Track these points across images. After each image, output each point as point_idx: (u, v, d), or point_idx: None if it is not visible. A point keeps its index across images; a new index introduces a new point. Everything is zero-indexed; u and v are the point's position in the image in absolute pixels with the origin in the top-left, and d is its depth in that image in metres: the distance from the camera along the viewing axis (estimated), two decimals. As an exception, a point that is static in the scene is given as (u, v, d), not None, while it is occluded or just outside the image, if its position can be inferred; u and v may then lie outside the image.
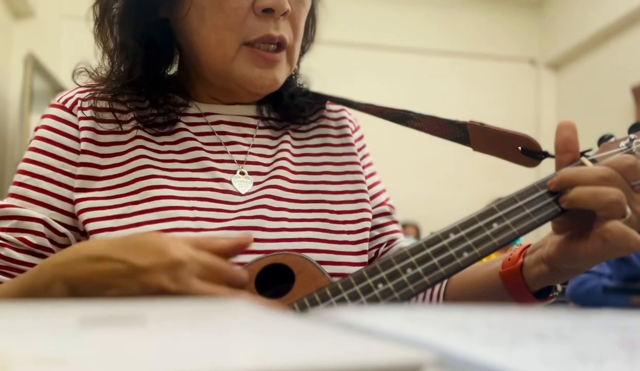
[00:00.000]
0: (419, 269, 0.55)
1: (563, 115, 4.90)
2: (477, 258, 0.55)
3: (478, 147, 0.70)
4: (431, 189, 4.49)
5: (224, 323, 0.23)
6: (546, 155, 0.65)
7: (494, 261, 0.67)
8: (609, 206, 0.53)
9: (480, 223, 0.57)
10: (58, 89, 3.86)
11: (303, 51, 0.78)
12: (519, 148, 0.67)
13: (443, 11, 4.83)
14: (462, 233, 0.56)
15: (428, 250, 0.56)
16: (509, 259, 0.65)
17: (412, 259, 0.55)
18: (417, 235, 4.06)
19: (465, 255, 0.55)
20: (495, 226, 0.57)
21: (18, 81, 3.64)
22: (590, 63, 4.57)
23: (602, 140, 0.65)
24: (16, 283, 0.55)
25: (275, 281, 0.59)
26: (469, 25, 4.88)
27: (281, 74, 0.68)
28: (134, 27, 0.69)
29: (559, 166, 0.60)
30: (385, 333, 0.21)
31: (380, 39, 4.59)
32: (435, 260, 0.55)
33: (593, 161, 0.60)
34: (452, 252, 0.55)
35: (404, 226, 3.87)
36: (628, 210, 0.54)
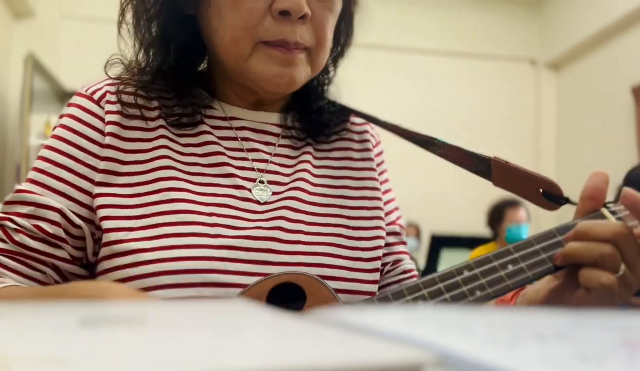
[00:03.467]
0: (431, 303, 0.55)
1: (563, 115, 4.89)
2: (490, 297, 0.55)
3: (499, 183, 0.69)
4: (432, 189, 4.49)
5: (224, 323, 0.23)
6: (567, 201, 0.65)
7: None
8: (600, 259, 0.54)
9: (495, 263, 0.57)
10: (58, 88, 3.86)
11: (335, 61, 0.77)
12: (541, 190, 0.66)
13: (443, 11, 4.83)
14: (477, 271, 0.56)
15: (441, 285, 0.56)
16: (502, 299, 0.65)
17: (425, 292, 0.56)
18: (418, 235, 4.05)
19: (478, 293, 0.55)
20: (510, 267, 0.56)
21: (18, 81, 3.63)
22: (590, 63, 4.57)
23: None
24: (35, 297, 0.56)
25: (287, 300, 0.59)
26: (469, 25, 4.87)
27: (300, 74, 0.66)
28: (163, 24, 0.69)
29: (580, 212, 0.60)
30: (385, 333, 0.21)
31: (379, 38, 4.58)
32: (447, 296, 0.55)
33: (613, 213, 0.59)
34: (464, 288, 0.55)
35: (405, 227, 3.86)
36: (622, 266, 0.54)
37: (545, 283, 0.61)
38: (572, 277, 0.57)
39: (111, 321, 0.21)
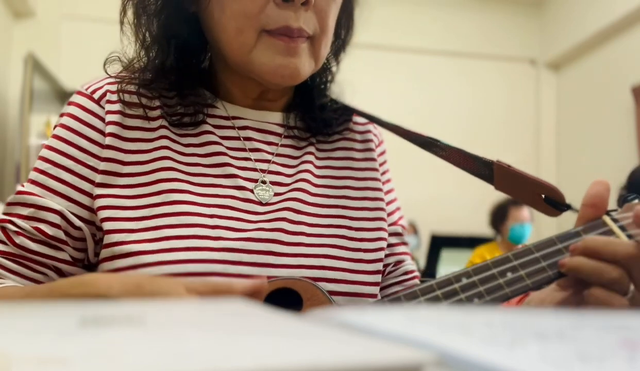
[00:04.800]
0: None
1: (563, 115, 4.89)
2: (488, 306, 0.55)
3: (500, 187, 0.69)
4: (432, 190, 4.49)
5: (224, 323, 0.23)
6: (569, 207, 0.64)
7: None
8: (608, 284, 0.53)
9: (494, 271, 0.56)
10: (58, 88, 3.86)
11: (337, 56, 0.77)
12: (543, 196, 0.66)
13: (443, 11, 4.83)
14: (475, 278, 0.55)
15: (438, 292, 0.55)
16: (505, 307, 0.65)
17: (422, 299, 0.55)
18: (415, 233, 4.06)
19: (476, 301, 0.54)
20: (509, 275, 0.55)
21: (18, 81, 3.63)
22: (590, 63, 4.57)
23: (624, 200, 0.63)
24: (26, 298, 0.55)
25: (284, 306, 0.59)
26: (469, 25, 4.87)
27: (304, 65, 0.65)
28: (164, 22, 0.68)
29: (581, 219, 0.59)
30: (385, 333, 0.21)
31: (379, 38, 4.58)
32: (444, 304, 0.55)
33: (615, 221, 0.58)
34: (462, 296, 0.55)
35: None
36: (632, 287, 0.53)
37: (550, 294, 0.59)
38: (578, 291, 0.56)
39: (111, 321, 0.21)
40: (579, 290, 0.56)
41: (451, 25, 4.85)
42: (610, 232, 0.58)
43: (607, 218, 0.58)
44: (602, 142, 4.24)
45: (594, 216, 0.59)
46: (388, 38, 4.66)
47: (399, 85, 4.68)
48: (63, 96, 3.82)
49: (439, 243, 3.26)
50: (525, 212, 3.16)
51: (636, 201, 0.62)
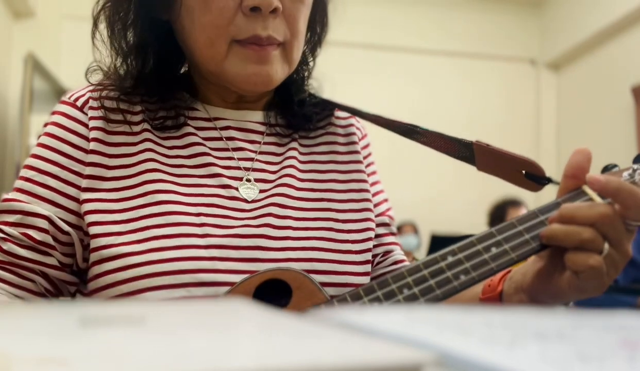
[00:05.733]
0: (416, 290, 0.55)
1: (563, 115, 4.89)
2: (474, 281, 0.56)
3: (482, 167, 0.70)
4: (432, 190, 4.49)
5: (224, 323, 0.23)
6: (549, 181, 0.66)
7: (476, 286, 0.67)
8: (581, 245, 0.54)
9: (479, 247, 0.57)
10: (58, 89, 3.86)
11: (313, 51, 0.77)
12: (523, 172, 0.66)
13: (443, 11, 4.82)
14: (460, 255, 0.56)
15: (425, 271, 0.56)
16: (489, 285, 0.65)
17: (409, 279, 0.56)
18: (415, 232, 4.06)
19: (462, 278, 0.55)
20: (494, 250, 0.56)
21: (18, 81, 3.63)
22: (590, 63, 4.56)
23: (606, 169, 0.64)
24: None
25: (273, 296, 0.59)
26: (469, 25, 4.87)
27: (276, 71, 0.66)
28: (140, 31, 0.69)
29: (562, 191, 0.60)
30: (385, 333, 0.21)
31: (379, 38, 4.58)
32: (432, 282, 0.55)
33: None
34: (449, 274, 0.55)
35: (402, 226, 3.87)
36: (606, 246, 0.54)
37: (532, 265, 0.60)
38: (558, 258, 0.56)
39: (111, 321, 0.21)
40: (559, 256, 0.56)
41: (451, 25, 4.85)
42: (589, 201, 0.58)
43: (586, 188, 0.59)
44: (602, 142, 4.24)
45: (574, 186, 0.60)
46: (388, 38, 4.66)
47: (399, 86, 4.68)
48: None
49: (439, 243, 3.25)
50: (523, 212, 3.16)
51: (616, 169, 0.63)
